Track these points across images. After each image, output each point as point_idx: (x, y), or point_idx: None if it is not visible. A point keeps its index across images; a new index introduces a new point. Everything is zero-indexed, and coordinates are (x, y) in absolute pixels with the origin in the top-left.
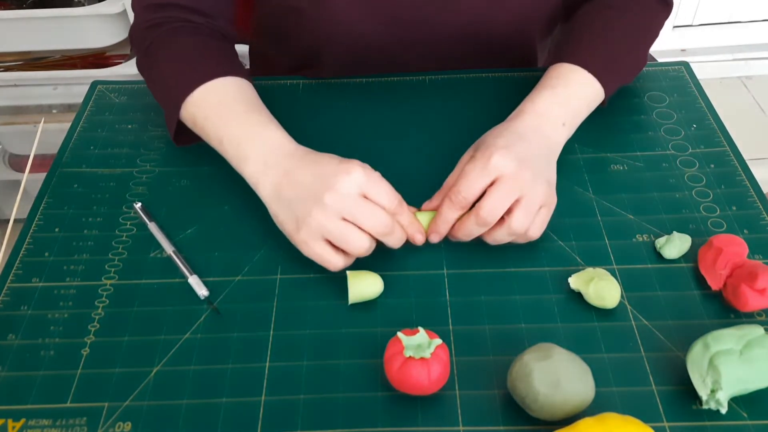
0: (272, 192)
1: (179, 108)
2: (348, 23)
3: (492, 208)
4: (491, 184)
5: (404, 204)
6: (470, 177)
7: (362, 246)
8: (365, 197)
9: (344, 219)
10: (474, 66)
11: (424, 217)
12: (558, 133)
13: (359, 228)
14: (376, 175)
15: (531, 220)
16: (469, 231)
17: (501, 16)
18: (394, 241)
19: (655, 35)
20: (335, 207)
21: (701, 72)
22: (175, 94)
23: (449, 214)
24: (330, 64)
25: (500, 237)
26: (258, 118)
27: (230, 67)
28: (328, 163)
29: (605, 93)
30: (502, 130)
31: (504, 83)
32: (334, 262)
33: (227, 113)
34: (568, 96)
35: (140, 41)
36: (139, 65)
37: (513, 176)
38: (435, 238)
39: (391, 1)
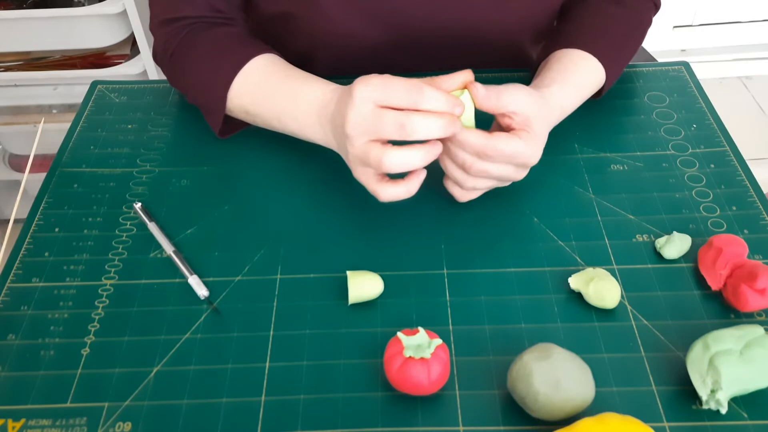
0: (340, 150)
1: (224, 103)
2: (342, 27)
3: (501, 168)
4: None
5: (424, 90)
6: (512, 148)
7: (405, 161)
8: (383, 107)
9: (374, 141)
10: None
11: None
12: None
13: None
14: (379, 81)
15: (512, 177)
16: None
17: (496, 20)
18: (430, 130)
19: (645, 34)
20: (361, 133)
21: (701, 72)
22: (215, 91)
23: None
24: (324, 67)
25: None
26: (293, 84)
27: (253, 47)
28: (342, 98)
29: (605, 84)
30: (549, 119)
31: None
32: (394, 191)
33: (269, 91)
34: (580, 91)
35: (163, 55)
36: (170, 79)
37: (533, 162)
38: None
39: (385, 5)
